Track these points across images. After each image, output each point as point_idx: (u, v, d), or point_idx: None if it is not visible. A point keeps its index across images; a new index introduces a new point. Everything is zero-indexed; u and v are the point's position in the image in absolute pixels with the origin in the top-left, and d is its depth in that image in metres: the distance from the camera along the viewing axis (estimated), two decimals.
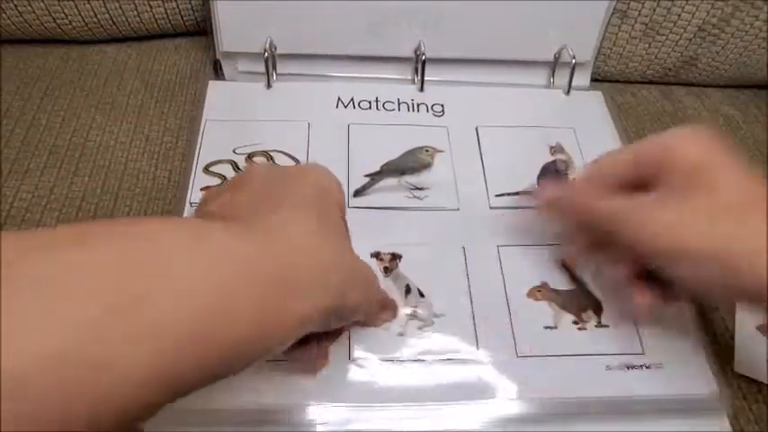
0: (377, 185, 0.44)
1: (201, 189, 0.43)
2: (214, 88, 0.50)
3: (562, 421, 0.34)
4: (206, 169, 0.44)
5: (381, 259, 0.40)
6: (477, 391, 0.34)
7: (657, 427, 0.34)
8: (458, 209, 0.43)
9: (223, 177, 0.43)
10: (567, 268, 0.40)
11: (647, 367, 0.36)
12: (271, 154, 0.45)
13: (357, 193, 0.43)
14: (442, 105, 0.50)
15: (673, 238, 0.30)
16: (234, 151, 0.45)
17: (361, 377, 0.35)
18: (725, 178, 0.30)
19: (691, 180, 0.30)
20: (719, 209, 0.29)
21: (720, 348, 0.39)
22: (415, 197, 0.44)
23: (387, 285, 0.38)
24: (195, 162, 0.44)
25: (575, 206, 0.35)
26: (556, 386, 0.35)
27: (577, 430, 0.34)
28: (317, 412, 0.33)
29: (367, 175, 0.44)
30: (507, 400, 0.34)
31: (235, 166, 0.44)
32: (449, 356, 0.36)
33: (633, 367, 0.36)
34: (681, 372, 0.36)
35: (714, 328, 0.40)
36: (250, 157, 0.45)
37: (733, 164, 0.30)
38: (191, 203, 0.42)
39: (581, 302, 0.39)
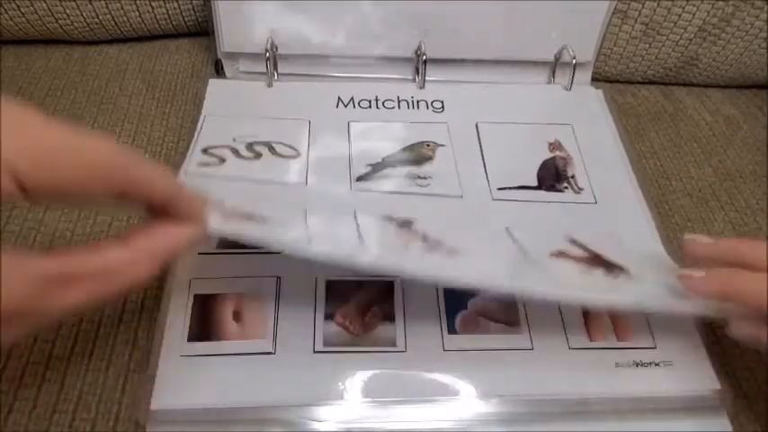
0: (379, 173, 0.44)
1: (199, 165, 0.43)
2: (214, 86, 0.50)
3: (566, 420, 0.34)
4: (205, 150, 0.44)
5: (392, 220, 0.39)
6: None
7: (659, 427, 0.34)
8: (461, 196, 0.44)
9: (222, 160, 0.43)
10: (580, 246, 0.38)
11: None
12: (273, 145, 0.45)
13: (360, 179, 0.44)
14: (442, 102, 0.50)
15: None
16: (233, 140, 0.45)
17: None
18: None
19: None
20: None
21: (722, 348, 0.39)
22: (418, 185, 0.44)
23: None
24: (192, 149, 0.44)
25: None
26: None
27: (580, 430, 0.34)
28: (317, 412, 0.33)
29: (369, 165, 0.45)
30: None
31: (235, 152, 0.44)
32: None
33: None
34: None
35: (715, 327, 0.40)
36: (251, 145, 0.45)
37: None
38: (186, 173, 0.42)
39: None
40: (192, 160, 0.43)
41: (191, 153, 0.43)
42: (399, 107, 0.50)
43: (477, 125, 0.49)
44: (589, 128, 0.49)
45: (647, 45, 0.54)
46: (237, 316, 0.37)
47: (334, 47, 0.51)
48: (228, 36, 0.49)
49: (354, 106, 0.49)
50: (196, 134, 0.45)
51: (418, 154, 0.46)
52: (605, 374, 0.35)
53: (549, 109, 0.51)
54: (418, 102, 0.50)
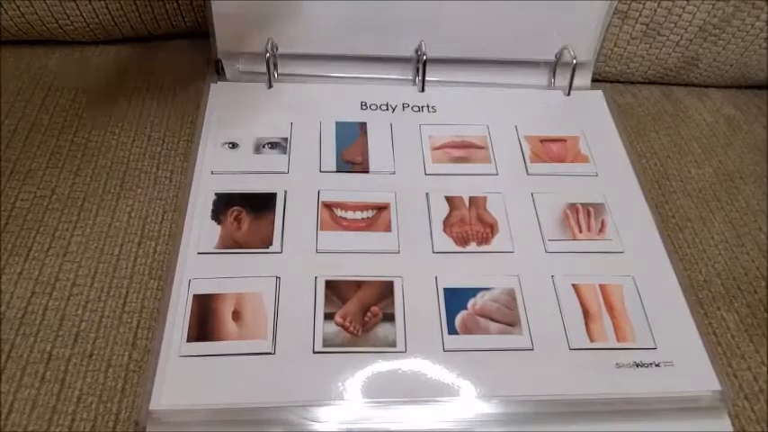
0: None
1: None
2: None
3: (566, 420, 0.34)
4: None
5: None
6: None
7: (659, 427, 0.34)
8: None
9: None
10: None
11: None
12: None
13: None
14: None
15: None
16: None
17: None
18: None
19: None
20: None
21: (722, 348, 0.39)
22: None
23: None
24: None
25: None
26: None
27: (579, 430, 0.34)
28: (316, 412, 0.33)
29: None
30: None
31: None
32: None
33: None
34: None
35: (715, 327, 0.40)
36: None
37: None
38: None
39: None
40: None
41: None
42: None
43: None
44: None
45: (648, 45, 0.54)
46: (237, 316, 0.37)
47: (334, 46, 0.51)
48: (228, 36, 0.49)
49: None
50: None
51: None
52: (606, 375, 0.35)
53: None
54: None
